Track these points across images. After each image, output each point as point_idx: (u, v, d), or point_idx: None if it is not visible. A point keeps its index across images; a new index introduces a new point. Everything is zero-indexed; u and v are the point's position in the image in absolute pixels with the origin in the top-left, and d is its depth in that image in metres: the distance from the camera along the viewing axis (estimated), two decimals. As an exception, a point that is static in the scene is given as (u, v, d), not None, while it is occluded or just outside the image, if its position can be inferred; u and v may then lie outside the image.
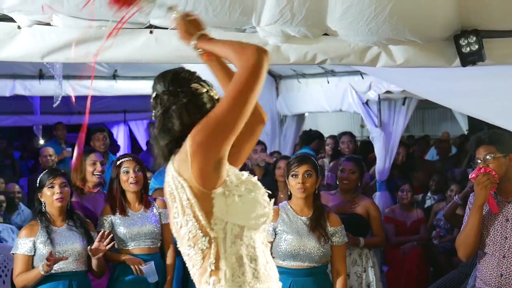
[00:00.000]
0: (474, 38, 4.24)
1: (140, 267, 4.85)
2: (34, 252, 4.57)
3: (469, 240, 4.13)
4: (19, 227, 7.04)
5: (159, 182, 6.65)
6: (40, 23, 3.99)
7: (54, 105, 7.14)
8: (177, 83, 2.48)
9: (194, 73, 2.56)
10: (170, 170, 2.41)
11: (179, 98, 2.43)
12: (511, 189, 4.17)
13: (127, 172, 5.02)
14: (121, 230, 4.94)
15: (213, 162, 2.31)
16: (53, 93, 7.82)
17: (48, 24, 4.01)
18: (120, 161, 5.12)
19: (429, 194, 8.60)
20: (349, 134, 8.79)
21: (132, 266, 4.89)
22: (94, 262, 4.69)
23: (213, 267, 2.34)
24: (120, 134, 16.14)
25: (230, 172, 2.40)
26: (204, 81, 2.55)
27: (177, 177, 2.36)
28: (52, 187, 4.65)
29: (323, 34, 4.30)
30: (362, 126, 13.25)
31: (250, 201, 2.38)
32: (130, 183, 5.00)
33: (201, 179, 2.32)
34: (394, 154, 8.39)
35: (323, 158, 9.13)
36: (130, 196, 5.06)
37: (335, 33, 4.26)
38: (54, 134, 11.17)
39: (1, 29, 3.97)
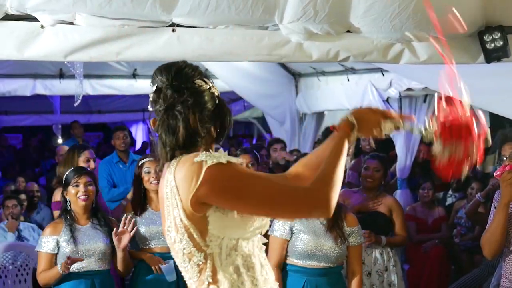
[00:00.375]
0: (499, 34, 4.21)
1: (160, 265, 4.85)
2: (58, 250, 4.59)
3: (495, 238, 4.08)
4: (39, 226, 7.10)
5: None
6: (63, 22, 4.00)
7: (75, 104, 7.16)
8: (181, 78, 2.36)
9: (197, 68, 2.44)
10: (169, 178, 2.31)
11: (183, 95, 2.33)
12: None
13: (149, 172, 5.02)
14: (142, 228, 4.94)
15: (217, 206, 2.28)
16: (73, 92, 7.84)
17: (71, 23, 4.03)
18: (142, 161, 5.12)
19: (450, 192, 8.53)
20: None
21: (152, 265, 4.89)
22: (120, 256, 4.69)
23: (210, 280, 2.29)
24: (138, 133, 16.20)
25: None
26: (206, 76, 2.46)
27: (175, 193, 2.28)
28: (77, 185, 4.66)
29: (346, 31, 4.28)
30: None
31: (249, 216, 2.31)
32: (151, 182, 5.00)
33: (196, 208, 2.25)
34: (415, 151, 8.33)
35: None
36: (152, 196, 5.06)
37: (358, 30, 4.25)
38: (71, 133, 11.21)
39: (24, 28, 3.99)
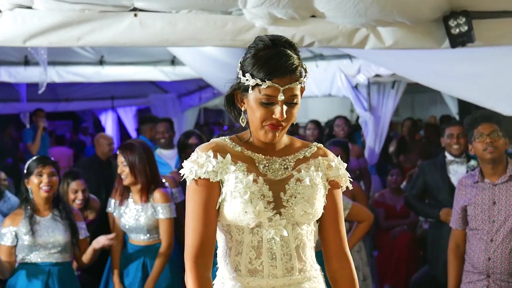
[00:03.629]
0: (464, 19, 4.20)
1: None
2: (16, 242, 4.50)
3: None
4: (5, 215, 6.97)
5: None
6: (21, 6, 3.91)
7: (39, 92, 7.02)
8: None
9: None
10: None
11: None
12: (500, 172, 4.14)
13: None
14: (122, 220, 4.83)
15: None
16: (37, 79, 7.70)
17: (30, 8, 3.93)
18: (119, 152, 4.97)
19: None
20: (343, 118, 8.69)
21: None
22: (90, 253, 4.66)
23: None
24: (108, 121, 16.04)
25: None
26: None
27: None
28: (41, 175, 4.55)
29: (310, 16, 4.24)
30: (352, 110, 13.22)
31: (237, 206, 2.31)
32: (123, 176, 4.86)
33: None
34: (383, 138, 8.35)
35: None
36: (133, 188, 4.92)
37: (322, 15, 4.21)
38: (32, 121, 11.06)
39: (-20, 13, 3.89)
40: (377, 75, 7.73)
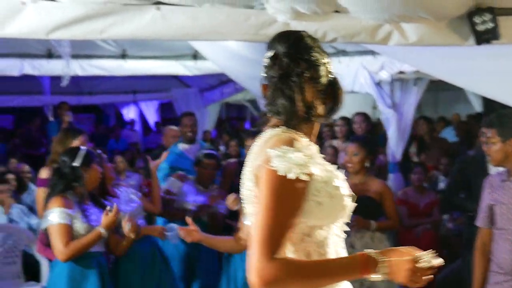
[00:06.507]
0: (489, 16, 4.14)
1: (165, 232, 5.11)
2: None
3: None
4: (29, 208, 7.02)
5: (168, 161, 6.59)
6: (45, -2, 3.91)
7: (62, 85, 7.06)
8: (299, 49, 2.29)
9: (316, 40, 2.37)
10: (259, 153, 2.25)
11: (300, 67, 2.26)
12: None
13: None
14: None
15: None
16: (60, 72, 7.75)
17: (54, 0, 3.94)
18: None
19: (441, 176, 8.49)
20: (363, 115, 8.62)
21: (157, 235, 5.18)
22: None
23: None
24: (130, 115, 16.13)
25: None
26: (324, 51, 2.36)
27: (252, 166, 2.26)
28: (100, 165, 4.73)
29: (333, 11, 4.20)
30: (374, 107, 13.14)
31: (328, 206, 2.21)
32: None
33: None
34: (407, 135, 8.29)
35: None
36: None
37: (345, 10, 4.17)
38: (57, 114, 11.10)
39: (3, 4, 3.89)
40: (400, 72, 7.67)
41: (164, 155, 6.13)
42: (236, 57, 7.80)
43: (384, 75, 7.98)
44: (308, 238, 2.22)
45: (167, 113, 16.76)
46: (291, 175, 2.10)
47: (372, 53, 7.72)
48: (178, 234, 4.85)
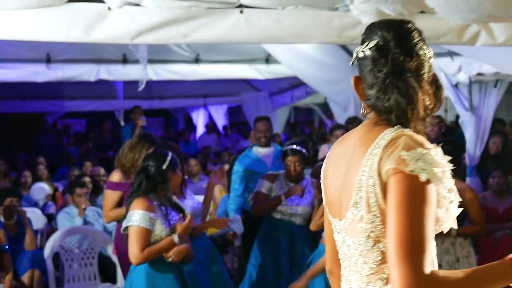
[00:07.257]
0: None
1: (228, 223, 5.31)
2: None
3: None
4: (103, 210, 7.16)
5: (243, 165, 6.58)
6: (130, 3, 3.95)
7: (139, 89, 7.14)
8: (410, 40, 2.07)
9: (421, 32, 2.13)
10: (375, 150, 2.02)
11: (413, 61, 2.04)
12: None
13: None
14: None
15: None
16: (136, 77, 7.85)
17: (138, 5, 3.97)
18: None
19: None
20: (436, 117, 8.44)
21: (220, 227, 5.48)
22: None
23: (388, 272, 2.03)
24: (200, 119, 16.25)
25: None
26: (426, 45, 2.13)
27: (375, 169, 2.00)
28: (182, 170, 4.81)
29: (419, 12, 4.12)
30: (446, 110, 12.91)
31: (443, 214, 2.03)
32: None
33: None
34: (485, 138, 8.09)
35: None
36: None
37: (432, 11, 4.09)
38: (130, 118, 11.20)
39: (91, 10, 3.95)
40: (479, 74, 7.47)
41: None
42: (309, 61, 7.76)
43: (462, 77, 7.80)
44: None
45: (235, 117, 16.82)
46: (434, 182, 1.96)
47: (449, 55, 7.55)
48: (241, 224, 5.09)
